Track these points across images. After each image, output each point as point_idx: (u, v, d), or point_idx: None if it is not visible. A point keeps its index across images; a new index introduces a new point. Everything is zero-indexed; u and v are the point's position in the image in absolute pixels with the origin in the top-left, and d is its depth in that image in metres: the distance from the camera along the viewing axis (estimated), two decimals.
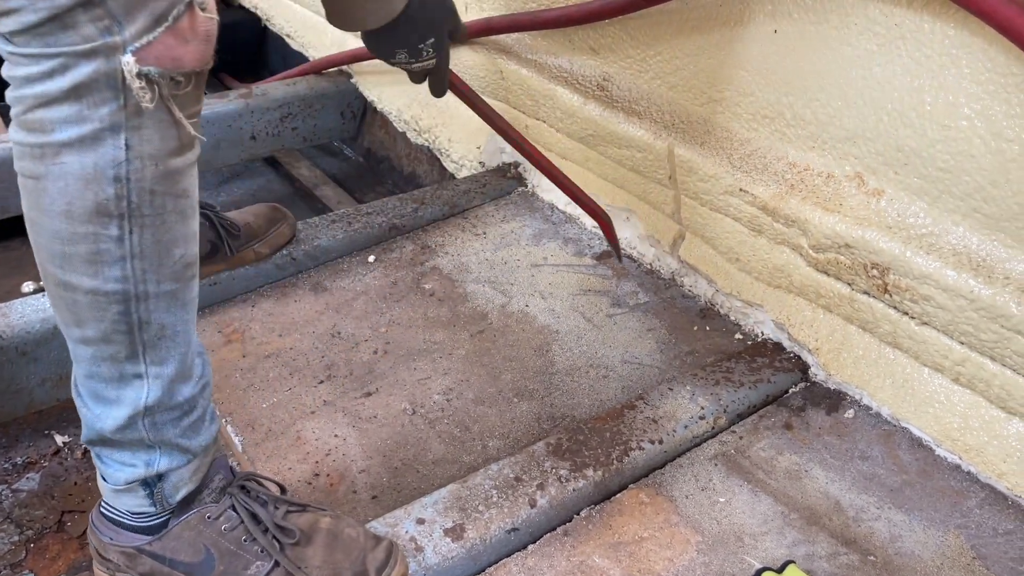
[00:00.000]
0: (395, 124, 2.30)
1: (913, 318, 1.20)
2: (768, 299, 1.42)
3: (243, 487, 0.97)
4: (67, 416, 1.46)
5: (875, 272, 1.22)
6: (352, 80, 2.42)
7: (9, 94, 0.74)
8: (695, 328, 1.50)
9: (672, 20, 1.45)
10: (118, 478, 0.90)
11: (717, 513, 1.14)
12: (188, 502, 0.94)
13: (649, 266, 1.65)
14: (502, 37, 1.82)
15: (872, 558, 1.07)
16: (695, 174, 1.46)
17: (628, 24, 1.53)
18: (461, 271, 1.65)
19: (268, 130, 2.22)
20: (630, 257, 1.68)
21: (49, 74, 0.70)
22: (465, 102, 1.39)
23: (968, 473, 1.19)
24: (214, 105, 2.11)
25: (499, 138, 1.97)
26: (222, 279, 1.52)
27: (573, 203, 1.79)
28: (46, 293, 0.85)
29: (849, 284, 1.27)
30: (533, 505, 1.11)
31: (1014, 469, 1.14)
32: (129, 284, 0.79)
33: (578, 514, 1.15)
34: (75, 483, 1.34)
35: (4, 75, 0.74)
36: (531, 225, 1.79)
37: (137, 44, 0.71)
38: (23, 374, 1.36)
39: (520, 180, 1.93)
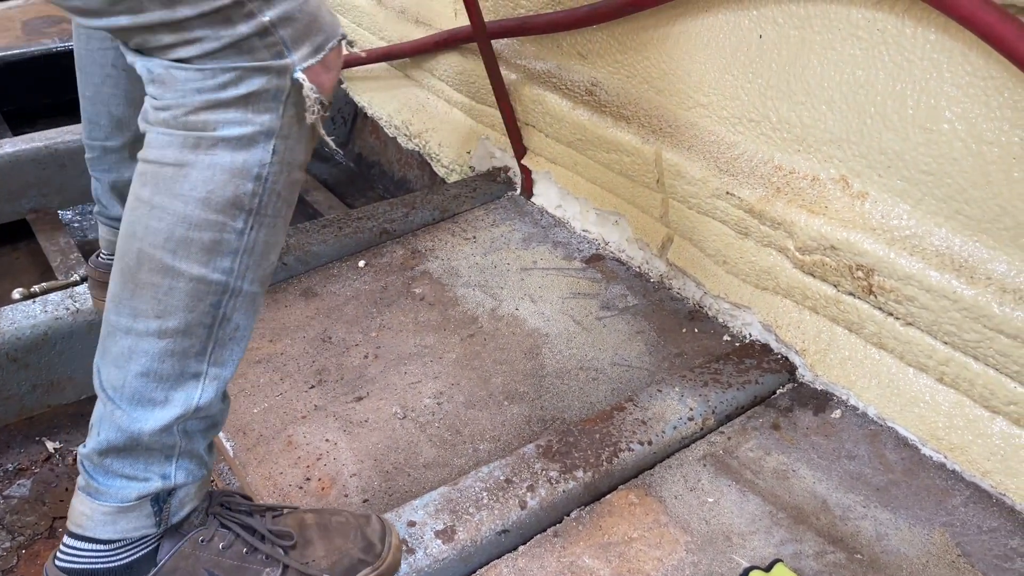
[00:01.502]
0: (385, 129, 2.31)
1: (898, 319, 1.22)
2: (756, 301, 1.43)
3: (223, 504, 0.96)
4: (58, 422, 1.46)
5: (860, 273, 1.23)
6: (342, 86, 2.42)
7: (165, 101, 0.79)
8: (684, 330, 1.51)
9: (659, 26, 1.46)
10: (126, 494, 0.86)
11: (706, 513, 1.15)
12: (178, 526, 0.91)
13: (638, 269, 1.67)
14: (491, 43, 1.83)
15: (859, 556, 1.09)
16: (683, 178, 1.47)
17: (615, 30, 1.55)
18: (451, 275, 1.66)
19: None
20: (619, 260, 1.70)
21: (224, 85, 0.78)
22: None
23: (953, 471, 1.20)
24: None
25: (489, 143, 1.98)
26: None
27: (564, 206, 1.81)
28: (118, 286, 0.83)
29: (835, 286, 1.29)
30: (523, 507, 1.12)
31: (998, 467, 1.15)
32: (232, 277, 0.84)
33: (568, 515, 1.16)
34: (66, 489, 1.34)
35: (167, 93, 0.79)
36: (521, 229, 1.80)
37: (303, 65, 0.81)
38: (14, 380, 1.37)
39: (510, 184, 1.95)
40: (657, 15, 1.44)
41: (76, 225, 2.02)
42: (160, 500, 0.88)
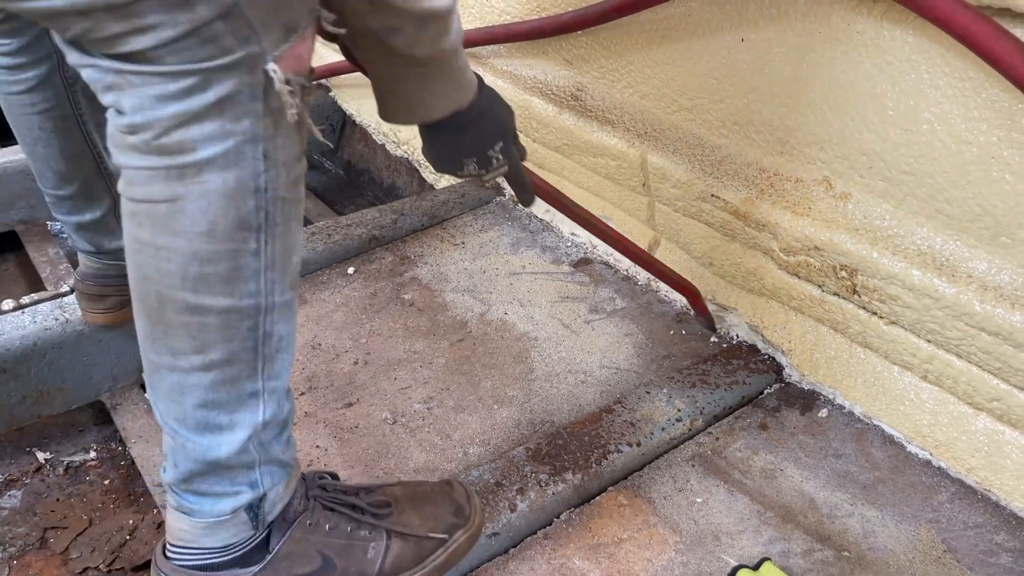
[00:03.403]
0: (374, 136, 2.32)
1: (882, 318, 1.23)
2: (742, 302, 1.44)
3: (320, 486, 0.98)
4: (49, 433, 1.46)
5: (844, 274, 1.24)
6: (331, 93, 2.43)
7: (129, 120, 0.70)
8: (671, 332, 1.52)
9: (643, 31, 1.47)
10: (221, 509, 0.86)
11: (694, 513, 1.16)
12: (282, 517, 0.92)
13: (626, 272, 1.68)
14: (478, 49, 1.85)
15: (846, 553, 1.10)
16: (668, 181, 1.48)
17: (600, 35, 1.56)
18: (440, 281, 1.66)
19: None
20: (607, 264, 1.71)
21: (189, 91, 0.68)
22: (551, 203, 1.27)
23: (939, 468, 1.22)
24: None
25: None
26: None
27: (552, 210, 1.82)
28: (148, 326, 0.79)
29: (820, 286, 1.30)
30: (513, 509, 1.12)
31: (983, 464, 1.16)
32: (261, 297, 0.79)
33: (558, 517, 1.16)
34: (57, 499, 1.34)
35: (124, 102, 0.70)
36: (509, 234, 1.81)
37: (275, 53, 0.71)
38: (3, 391, 1.36)
39: (498, 190, 1.95)
40: (640, 21, 1.46)
41: (65, 236, 2.02)
42: (254, 507, 0.88)
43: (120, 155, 0.74)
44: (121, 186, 0.75)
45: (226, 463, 0.85)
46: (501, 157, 1.04)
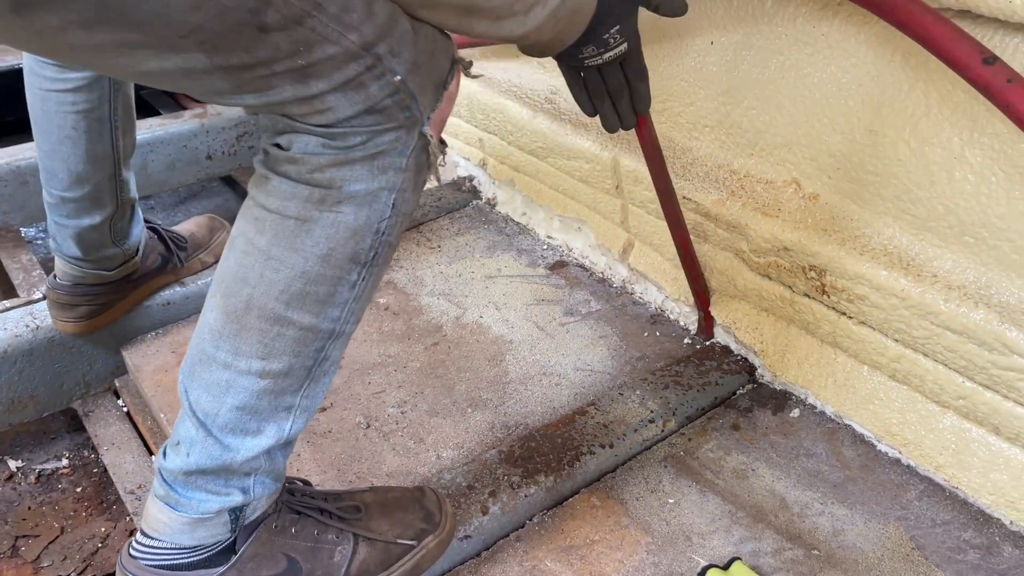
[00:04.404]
0: None
1: (851, 318, 1.24)
2: (715, 303, 1.45)
3: (289, 490, 0.98)
4: (20, 441, 1.45)
5: (813, 274, 1.25)
6: None
7: (290, 154, 0.76)
8: (646, 334, 1.53)
9: None
10: (207, 507, 0.88)
11: (667, 514, 1.17)
12: (252, 520, 0.93)
13: (601, 274, 1.68)
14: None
15: (816, 552, 1.10)
16: (640, 183, 1.49)
17: None
18: (416, 284, 1.66)
19: (224, 149, 2.22)
20: (582, 266, 1.71)
21: (352, 147, 0.76)
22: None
23: (908, 467, 1.23)
24: (168, 125, 2.11)
25: (454, 152, 1.99)
26: (176, 298, 1.53)
27: (527, 214, 1.82)
28: (221, 322, 0.82)
29: (790, 287, 1.31)
30: (485, 512, 1.13)
31: (950, 461, 1.17)
32: (338, 324, 0.84)
33: (531, 520, 1.17)
34: (29, 508, 1.33)
35: (291, 144, 0.76)
36: (485, 237, 1.82)
37: (429, 115, 0.79)
38: None
39: (475, 193, 1.96)
40: None
41: (39, 242, 2.00)
42: (237, 511, 0.90)
43: (269, 170, 0.79)
44: (253, 189, 0.80)
45: (237, 468, 0.87)
46: (618, 36, 1.02)
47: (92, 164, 1.26)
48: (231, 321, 0.82)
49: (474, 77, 0.89)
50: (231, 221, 1.66)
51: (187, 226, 1.62)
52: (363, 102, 0.74)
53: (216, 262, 1.59)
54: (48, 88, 1.20)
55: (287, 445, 0.90)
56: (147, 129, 1.98)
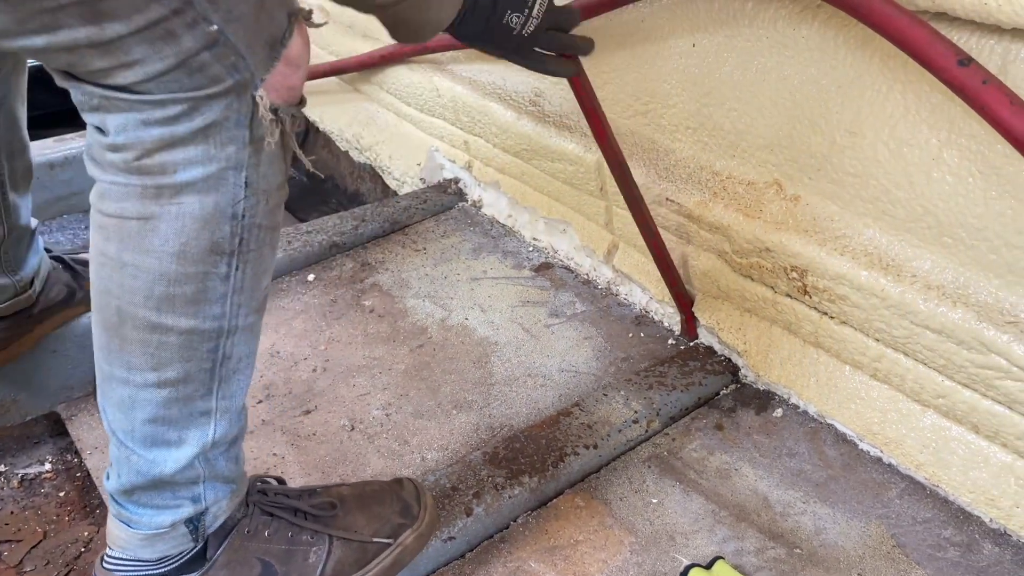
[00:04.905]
0: (338, 143, 2.32)
1: (832, 318, 1.25)
2: (699, 304, 1.46)
3: (260, 490, 0.97)
4: (2, 445, 1.44)
5: (795, 275, 1.26)
6: None
7: (112, 140, 0.70)
8: (630, 335, 1.53)
9: (597, 35, 1.48)
10: (160, 522, 0.86)
11: (650, 514, 1.17)
12: (220, 526, 0.92)
13: (586, 276, 1.69)
14: (438, 55, 1.85)
15: (798, 550, 1.11)
16: None
17: None
18: (401, 287, 1.67)
19: None
20: (567, 268, 1.72)
21: (176, 117, 0.68)
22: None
23: (889, 465, 1.24)
24: None
25: (440, 154, 2.00)
26: None
27: (513, 216, 1.83)
28: (104, 338, 0.78)
29: (772, 287, 1.32)
30: (469, 513, 1.13)
31: (930, 459, 1.18)
32: (224, 320, 0.79)
33: (515, 521, 1.17)
34: (11, 512, 1.32)
35: (109, 123, 0.70)
36: (471, 239, 1.82)
37: (263, 77, 0.71)
38: None
39: (460, 195, 1.96)
40: (594, 27, 1.47)
41: None
42: (195, 520, 0.88)
43: (96, 168, 0.73)
44: (93, 197, 0.75)
45: (170, 479, 0.84)
46: None
47: None
48: (111, 336, 0.78)
49: (317, 26, 0.79)
50: None
51: None
52: (175, 55, 0.66)
53: None
54: None
55: (223, 448, 0.87)
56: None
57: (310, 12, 0.77)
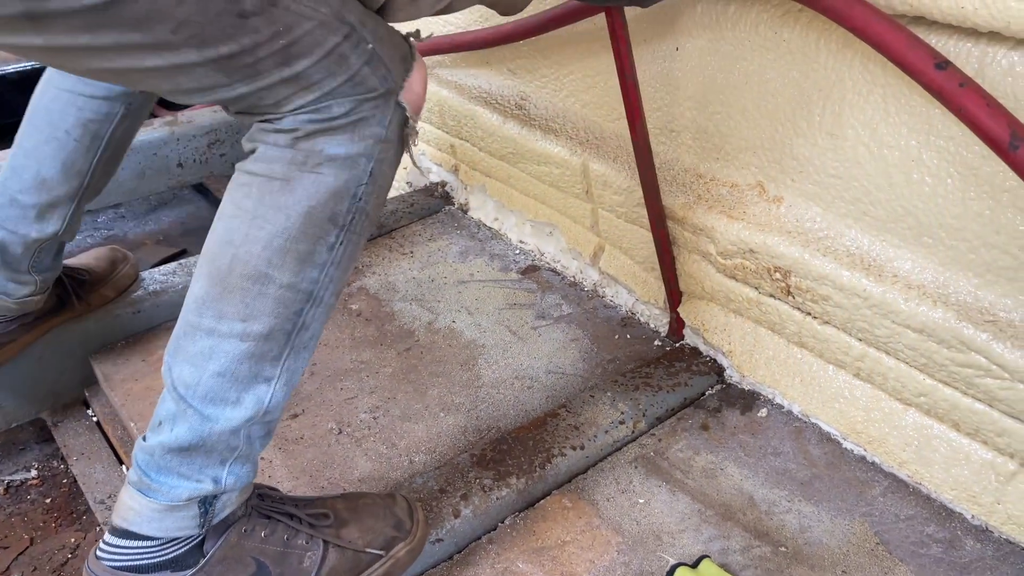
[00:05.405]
0: None
1: (815, 318, 1.26)
2: (684, 305, 1.47)
3: (259, 495, 0.99)
4: None
5: (778, 275, 1.27)
6: None
7: (277, 125, 0.81)
8: (616, 337, 1.54)
9: (582, 40, 1.50)
10: (178, 493, 0.88)
11: (637, 514, 1.18)
12: (221, 522, 0.93)
13: (572, 278, 1.70)
14: (424, 60, 1.86)
15: (783, 549, 1.12)
16: (610, 188, 1.50)
17: (541, 45, 1.58)
18: (388, 290, 1.67)
19: (195, 157, 2.21)
20: (554, 270, 1.73)
21: (336, 116, 0.81)
22: None
23: (872, 463, 1.25)
24: (138, 133, 2.09)
25: (426, 158, 2.00)
26: (145, 306, 1.52)
27: (499, 219, 1.84)
28: (206, 287, 0.86)
29: (756, 288, 1.33)
30: (457, 515, 1.13)
31: (913, 457, 1.20)
32: (317, 287, 0.88)
33: (503, 522, 1.17)
34: None
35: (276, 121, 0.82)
36: (458, 243, 1.82)
37: (403, 85, 0.85)
38: None
39: (447, 199, 1.97)
40: (579, 31, 1.48)
41: None
42: (207, 502, 0.90)
43: (258, 137, 0.83)
44: (242, 162, 0.85)
45: (214, 442, 0.87)
46: None
47: (64, 174, 1.23)
48: (215, 284, 0.85)
49: (424, 40, 0.95)
50: (205, 230, 1.65)
51: (86, 259, 1.51)
52: (345, 74, 0.79)
53: (118, 296, 1.51)
54: (65, 88, 1.20)
55: (267, 424, 0.91)
56: None
57: (418, 31, 0.92)
